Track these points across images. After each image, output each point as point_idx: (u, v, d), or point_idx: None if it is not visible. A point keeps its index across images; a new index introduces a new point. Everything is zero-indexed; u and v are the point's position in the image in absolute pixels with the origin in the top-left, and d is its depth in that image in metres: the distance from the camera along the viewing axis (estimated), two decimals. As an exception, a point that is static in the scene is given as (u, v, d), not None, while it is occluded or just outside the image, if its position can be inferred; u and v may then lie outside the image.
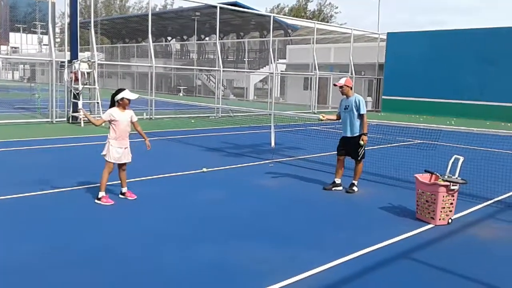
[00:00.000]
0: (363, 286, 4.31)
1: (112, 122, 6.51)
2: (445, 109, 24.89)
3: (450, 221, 6.18)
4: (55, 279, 4.17)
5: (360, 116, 7.60)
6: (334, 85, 8.02)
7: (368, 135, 7.83)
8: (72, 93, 16.39)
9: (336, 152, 7.99)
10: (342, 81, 7.77)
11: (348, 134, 7.73)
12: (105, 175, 6.56)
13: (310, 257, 4.88)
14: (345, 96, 7.83)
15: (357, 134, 7.63)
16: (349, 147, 7.73)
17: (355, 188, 7.77)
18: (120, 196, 6.80)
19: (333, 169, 8.23)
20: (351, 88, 7.78)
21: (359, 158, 7.70)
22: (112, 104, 6.61)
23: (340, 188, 7.86)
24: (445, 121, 19.90)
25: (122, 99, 6.54)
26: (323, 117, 8.13)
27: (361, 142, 7.54)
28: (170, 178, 8.40)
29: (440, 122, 18.31)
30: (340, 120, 8.04)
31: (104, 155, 6.57)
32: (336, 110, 8.47)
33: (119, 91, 6.61)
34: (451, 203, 6.16)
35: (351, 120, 7.67)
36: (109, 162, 6.56)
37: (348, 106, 7.69)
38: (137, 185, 7.48)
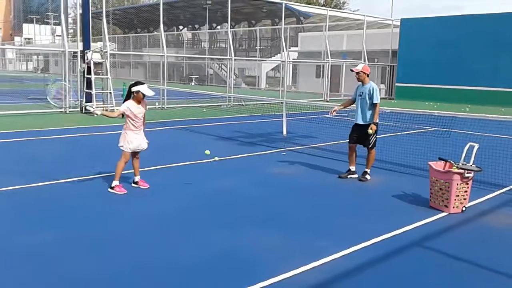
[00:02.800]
0: (376, 274, 4.30)
1: (128, 115, 6.56)
2: (459, 96, 24.55)
3: (464, 209, 6.12)
4: (69, 267, 4.22)
5: (373, 105, 7.55)
6: (351, 70, 8.00)
7: (381, 122, 7.78)
8: (85, 84, 16.49)
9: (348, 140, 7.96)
10: (359, 67, 7.71)
11: (360, 122, 7.69)
12: (120, 165, 6.61)
13: (323, 245, 4.88)
14: (361, 83, 7.77)
15: (369, 122, 7.60)
16: (361, 134, 7.69)
17: (367, 177, 7.73)
18: (133, 185, 6.86)
19: (346, 157, 8.19)
20: (367, 75, 7.70)
21: (370, 146, 7.66)
22: (128, 95, 6.63)
23: (355, 176, 7.84)
24: (460, 107, 19.63)
25: (138, 92, 6.54)
26: (333, 112, 8.16)
27: (369, 131, 7.49)
28: (182, 167, 8.43)
29: (455, 109, 18.07)
30: (351, 107, 8.02)
31: (121, 146, 6.63)
32: (348, 97, 8.41)
33: (138, 83, 6.61)
34: (465, 191, 6.09)
35: (363, 108, 7.62)
36: (126, 152, 6.62)
37: (363, 93, 7.64)
38: (150, 174, 7.52)
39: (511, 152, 9.40)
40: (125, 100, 6.69)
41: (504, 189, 7.31)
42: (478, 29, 24.65)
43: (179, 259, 4.46)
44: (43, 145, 10.45)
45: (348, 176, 7.84)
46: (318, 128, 13.60)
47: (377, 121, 7.65)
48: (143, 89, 6.54)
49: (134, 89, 6.55)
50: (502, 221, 5.91)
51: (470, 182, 6.12)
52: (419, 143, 10.91)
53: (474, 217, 5.99)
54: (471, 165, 6.13)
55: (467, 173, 6.00)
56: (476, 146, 6.28)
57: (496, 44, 23.88)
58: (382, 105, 7.99)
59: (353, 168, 7.88)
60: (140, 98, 6.58)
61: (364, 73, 7.65)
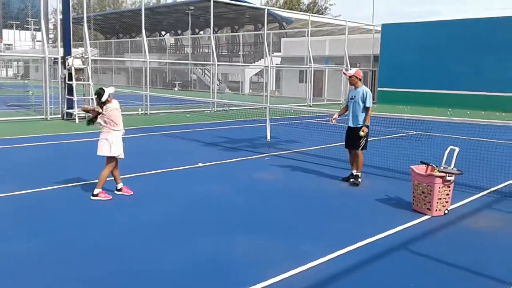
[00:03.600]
0: (361, 278, 4.32)
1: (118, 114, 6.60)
2: (441, 100, 24.89)
3: (446, 212, 6.19)
4: (54, 276, 4.15)
5: (366, 108, 7.66)
6: (344, 73, 8.10)
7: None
8: (66, 90, 16.30)
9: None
10: (352, 71, 7.82)
11: (351, 124, 7.80)
12: (107, 174, 6.57)
13: (307, 249, 4.89)
14: (353, 87, 7.90)
15: (360, 125, 7.68)
16: (352, 137, 7.79)
17: (360, 180, 7.77)
18: (116, 192, 6.78)
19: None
20: (360, 80, 7.83)
21: (360, 148, 7.72)
22: (100, 104, 6.55)
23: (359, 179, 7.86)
24: (441, 111, 19.91)
25: (109, 96, 6.56)
26: (333, 120, 8.21)
27: (361, 133, 7.60)
28: (166, 173, 8.37)
29: (436, 112, 18.32)
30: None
31: (120, 154, 6.58)
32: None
33: (102, 90, 6.51)
34: (447, 194, 6.16)
35: (355, 111, 7.73)
36: (114, 160, 6.58)
37: (355, 96, 7.75)
38: (133, 180, 7.45)
39: (491, 155, 9.55)
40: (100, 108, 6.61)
41: (485, 192, 7.42)
42: (458, 34, 25.08)
43: (164, 265, 4.42)
44: (24, 152, 10.28)
45: (351, 180, 7.88)
46: (301, 133, 13.64)
47: (369, 124, 7.75)
48: (111, 91, 6.59)
49: (105, 97, 6.48)
50: (484, 223, 5.99)
51: (451, 185, 6.20)
52: (401, 147, 11.02)
53: (456, 220, 6.06)
54: (452, 169, 6.21)
55: (449, 176, 6.08)
56: (457, 149, 6.37)
57: (476, 49, 24.32)
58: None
59: (355, 172, 7.89)
60: (111, 101, 6.61)
61: (356, 77, 7.77)
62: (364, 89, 7.76)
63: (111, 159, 6.60)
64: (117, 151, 6.55)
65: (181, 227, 5.58)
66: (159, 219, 5.82)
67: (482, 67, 24.20)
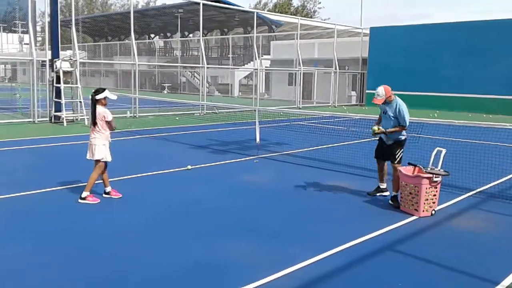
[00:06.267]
0: (349, 279, 4.35)
1: (106, 120, 6.56)
2: (428, 102, 25.12)
3: (433, 212, 6.25)
4: (40, 280, 4.12)
5: (399, 125, 6.73)
6: (375, 103, 6.90)
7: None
8: (54, 93, 16.19)
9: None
10: (380, 94, 6.71)
11: (387, 141, 6.92)
12: (95, 177, 6.55)
13: (295, 251, 4.91)
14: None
15: (393, 141, 6.82)
16: (386, 149, 6.98)
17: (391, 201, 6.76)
18: (105, 195, 6.75)
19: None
20: (390, 96, 6.78)
21: (396, 162, 6.79)
22: (93, 103, 6.55)
23: (386, 193, 7.15)
24: (429, 113, 20.10)
25: (105, 98, 6.58)
26: (378, 129, 6.90)
27: (375, 128, 6.80)
28: (155, 176, 8.35)
29: (424, 115, 18.48)
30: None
31: (103, 158, 6.54)
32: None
33: (100, 90, 6.63)
34: (434, 195, 6.23)
35: (386, 127, 6.81)
36: (103, 163, 6.56)
37: (386, 112, 6.81)
38: (122, 184, 7.42)
39: (477, 157, 9.66)
40: (93, 109, 6.59)
41: (471, 192, 7.50)
42: (445, 37, 25.33)
43: (152, 269, 4.40)
44: (11, 156, 10.18)
45: (377, 194, 7.20)
46: (290, 135, 13.69)
47: (389, 132, 6.76)
48: (109, 94, 6.62)
49: (99, 96, 6.54)
50: (470, 223, 6.06)
51: (438, 186, 6.27)
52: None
53: (443, 220, 6.12)
54: (439, 170, 6.28)
55: (436, 177, 6.14)
56: (444, 151, 6.45)
57: (463, 52, 24.59)
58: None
59: (382, 185, 7.18)
60: (104, 104, 6.62)
61: (389, 96, 6.74)
62: (397, 102, 6.72)
63: (98, 162, 6.58)
64: (100, 154, 6.51)
65: (170, 230, 5.57)
66: (147, 222, 5.80)
67: (468, 70, 24.47)
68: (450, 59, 25.01)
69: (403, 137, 6.85)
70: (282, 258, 4.72)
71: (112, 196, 6.72)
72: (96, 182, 6.64)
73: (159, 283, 4.14)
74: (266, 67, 35.13)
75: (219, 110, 21.26)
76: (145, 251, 4.84)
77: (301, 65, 26.99)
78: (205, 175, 8.57)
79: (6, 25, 77.27)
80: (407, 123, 6.67)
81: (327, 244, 5.08)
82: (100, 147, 6.52)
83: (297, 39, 27.49)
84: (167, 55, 50.62)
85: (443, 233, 5.71)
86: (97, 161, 6.56)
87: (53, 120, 16.24)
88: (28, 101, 16.97)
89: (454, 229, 5.83)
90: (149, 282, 4.16)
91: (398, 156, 6.81)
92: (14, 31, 76.98)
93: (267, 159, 10.19)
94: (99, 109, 6.55)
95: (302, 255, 4.76)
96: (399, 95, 6.96)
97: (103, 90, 6.65)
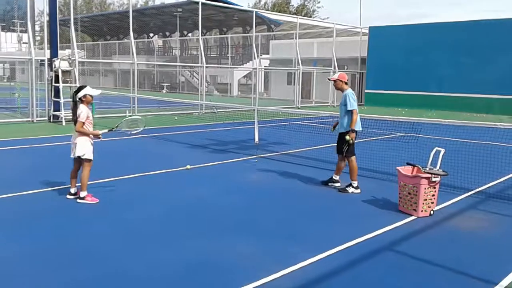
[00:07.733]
0: (348, 279, 4.35)
1: (87, 120, 6.50)
2: (427, 102, 25.14)
3: (432, 212, 6.26)
4: (41, 280, 4.12)
5: (349, 112, 7.35)
6: (328, 79, 7.83)
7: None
8: (53, 92, 16.17)
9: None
10: (335, 76, 7.62)
11: (339, 129, 7.60)
12: (87, 175, 6.50)
13: (295, 251, 4.91)
14: (340, 91, 7.64)
15: (346, 130, 7.41)
16: (339, 142, 7.59)
17: (349, 189, 7.44)
18: (68, 196, 6.64)
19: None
20: (345, 83, 7.56)
21: (345, 155, 7.46)
22: (75, 102, 6.52)
23: (337, 184, 7.69)
24: (427, 113, 20.12)
25: (85, 95, 6.51)
26: (333, 128, 7.91)
27: (347, 137, 7.29)
28: (154, 175, 8.35)
29: (422, 114, 18.50)
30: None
31: (87, 155, 6.49)
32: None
33: (81, 88, 6.55)
34: (433, 195, 6.24)
35: (341, 115, 7.52)
36: (91, 160, 6.52)
37: (341, 101, 7.56)
38: (121, 183, 7.42)
39: (475, 157, 9.67)
40: (73, 108, 6.55)
41: (469, 192, 7.51)
42: (443, 37, 25.35)
43: (153, 269, 4.41)
44: (10, 155, 10.17)
45: (329, 184, 7.77)
46: (289, 135, 13.69)
47: (356, 128, 7.40)
48: (89, 91, 6.54)
49: (80, 94, 6.48)
50: (469, 223, 6.07)
51: (437, 186, 6.28)
52: (387, 149, 11.11)
53: (441, 220, 6.13)
54: (437, 170, 6.29)
55: (434, 177, 6.15)
56: (442, 151, 6.46)
57: (462, 51, 24.61)
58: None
59: (335, 177, 7.74)
60: (89, 101, 6.57)
61: (341, 80, 7.53)
62: (346, 91, 7.46)
63: (83, 160, 6.53)
64: (81, 151, 6.46)
65: (169, 229, 5.57)
66: (147, 222, 5.80)
67: (467, 70, 24.48)
68: (449, 59, 25.01)
69: (356, 129, 7.40)
70: (282, 258, 4.72)
71: (76, 199, 6.56)
72: (91, 182, 6.62)
73: (159, 283, 4.14)
74: (265, 66, 35.12)
75: (218, 110, 21.25)
76: (144, 251, 4.84)
77: (300, 64, 26.99)
78: (204, 175, 8.57)
79: (4, 24, 77.13)
80: (354, 107, 7.30)
81: (326, 244, 5.08)
82: (82, 143, 6.47)
83: (296, 38, 27.49)
84: (166, 54, 50.58)
85: (441, 233, 5.72)
86: (84, 160, 6.52)
87: (51, 120, 16.23)
88: (26, 100, 16.96)
89: (453, 229, 5.84)
90: (149, 282, 4.16)
91: (345, 149, 7.39)
92: (13, 30, 76.87)
93: (266, 158, 10.19)
94: (82, 108, 6.48)
95: (301, 255, 4.76)
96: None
97: (84, 87, 6.56)
